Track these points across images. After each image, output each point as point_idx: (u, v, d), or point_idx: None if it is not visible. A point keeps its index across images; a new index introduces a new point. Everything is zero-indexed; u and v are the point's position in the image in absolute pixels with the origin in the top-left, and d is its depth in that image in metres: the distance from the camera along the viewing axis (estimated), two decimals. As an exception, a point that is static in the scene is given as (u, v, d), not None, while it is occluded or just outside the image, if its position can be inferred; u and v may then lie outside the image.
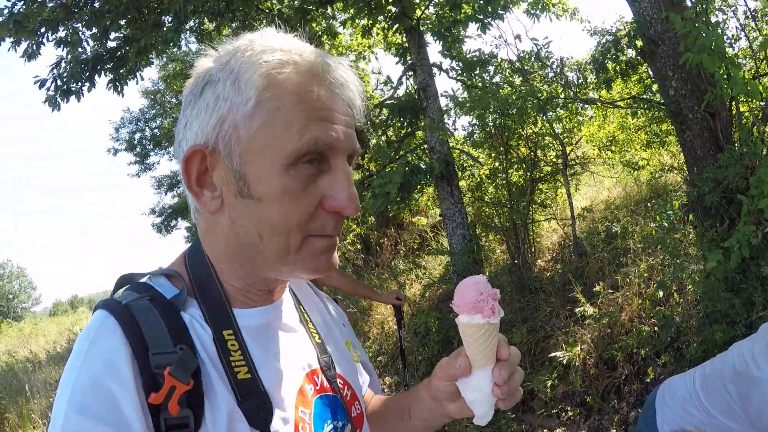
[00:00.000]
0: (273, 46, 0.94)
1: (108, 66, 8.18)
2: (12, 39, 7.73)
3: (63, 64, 7.93)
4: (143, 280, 1.02)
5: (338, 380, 1.16)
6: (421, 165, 7.86)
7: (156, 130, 21.89)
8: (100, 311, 0.91)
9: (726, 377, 2.02)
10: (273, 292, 1.08)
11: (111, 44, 8.21)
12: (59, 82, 7.91)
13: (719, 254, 3.60)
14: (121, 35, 8.11)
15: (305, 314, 1.21)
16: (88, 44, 8.08)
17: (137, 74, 8.58)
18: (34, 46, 7.86)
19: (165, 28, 7.90)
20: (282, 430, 0.95)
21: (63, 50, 7.96)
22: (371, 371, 3.00)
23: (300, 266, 0.96)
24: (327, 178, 0.93)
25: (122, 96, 8.62)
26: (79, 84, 8.02)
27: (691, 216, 4.96)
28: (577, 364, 5.07)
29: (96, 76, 8.12)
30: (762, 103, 4.63)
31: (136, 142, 22.31)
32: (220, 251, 1.01)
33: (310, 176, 0.92)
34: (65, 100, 8.00)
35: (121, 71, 8.30)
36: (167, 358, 0.85)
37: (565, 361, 5.09)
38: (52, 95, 7.90)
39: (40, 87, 7.89)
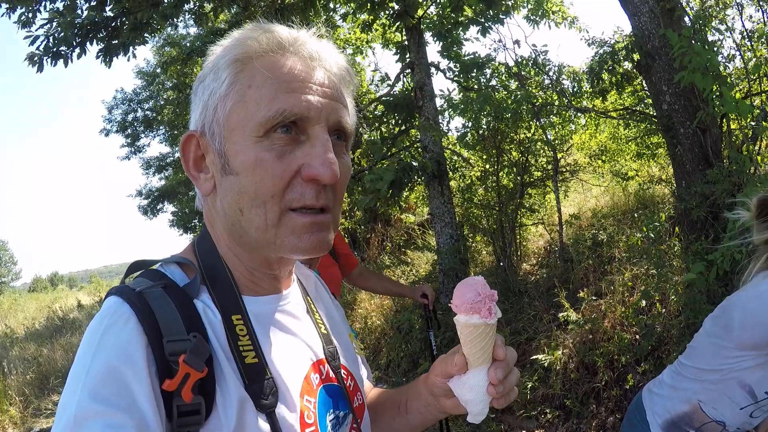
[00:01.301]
0: (248, 33, 0.98)
1: (101, 35, 8.00)
2: (7, 5, 7.55)
3: (55, 24, 7.68)
4: (155, 267, 1.04)
5: (342, 371, 1.18)
6: (414, 163, 7.91)
7: (148, 112, 21.74)
8: (114, 298, 0.91)
9: (707, 331, 2.04)
10: (279, 279, 1.10)
11: (108, 13, 7.99)
12: (50, 42, 7.70)
13: (701, 265, 3.69)
14: (119, 7, 7.92)
15: (312, 305, 1.23)
16: (82, 12, 7.84)
17: (130, 50, 8.36)
18: (30, 14, 7.70)
19: (165, 3, 7.81)
20: (288, 417, 0.97)
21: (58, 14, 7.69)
22: (365, 364, 3.07)
23: (280, 243, 0.96)
24: (304, 148, 0.94)
25: (109, 67, 8.39)
26: (69, 49, 7.83)
27: (677, 228, 5.07)
28: (558, 367, 5.16)
29: (87, 44, 7.94)
30: (752, 123, 4.73)
31: (127, 123, 22.13)
32: (222, 235, 1.04)
33: (286, 146, 0.93)
34: (53, 63, 7.81)
35: (114, 42, 8.09)
36: (181, 345, 0.86)
37: (546, 365, 5.18)
38: (37, 54, 7.66)
39: (31, 43, 7.66)
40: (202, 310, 0.96)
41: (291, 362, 1.04)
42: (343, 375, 1.17)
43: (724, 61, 5.60)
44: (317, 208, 0.96)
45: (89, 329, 0.89)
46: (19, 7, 7.63)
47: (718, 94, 4.34)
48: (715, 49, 4.73)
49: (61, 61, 7.84)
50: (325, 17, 9.75)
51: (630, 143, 8.14)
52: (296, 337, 1.10)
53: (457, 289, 1.01)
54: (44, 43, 7.71)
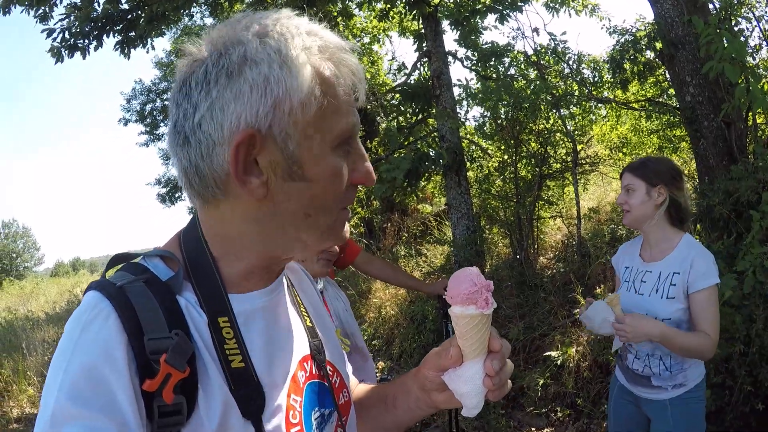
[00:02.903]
0: (305, 29, 0.93)
1: (117, 27, 8.10)
2: (27, 2, 7.70)
3: (72, 18, 7.82)
4: (137, 260, 1.00)
5: (328, 367, 1.17)
6: (431, 153, 7.80)
7: (167, 102, 21.96)
8: (94, 293, 0.88)
9: None
10: (273, 274, 1.07)
11: (123, 6, 8.10)
12: (67, 35, 7.85)
13: (732, 279, 3.55)
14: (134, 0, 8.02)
15: (297, 297, 1.21)
16: (99, 5, 7.97)
17: (148, 41, 8.46)
18: (47, 9, 7.82)
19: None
20: (274, 418, 0.95)
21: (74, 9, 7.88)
22: (367, 355, 2.95)
23: (334, 237, 1.01)
24: (352, 155, 0.98)
25: (128, 59, 8.54)
26: (86, 41, 7.97)
27: (698, 226, 4.91)
28: (570, 365, 5.06)
29: (104, 36, 8.05)
30: (779, 116, 4.56)
31: (146, 113, 22.32)
32: (233, 234, 0.98)
33: (346, 155, 0.96)
34: (70, 55, 7.97)
35: (131, 34, 8.21)
36: (163, 343, 0.84)
37: (559, 362, 5.08)
38: (57, 47, 7.84)
39: (48, 36, 7.83)
40: (185, 306, 0.93)
41: (278, 362, 1.02)
42: (329, 371, 1.16)
43: (751, 51, 5.40)
44: None
45: (68, 325, 0.86)
46: (37, 7, 7.75)
47: (744, 85, 4.17)
48: (743, 38, 4.55)
49: (79, 53, 7.99)
50: (341, 6, 9.63)
51: (652, 136, 7.95)
52: (283, 333, 1.08)
53: (452, 280, 1.00)
54: (61, 35, 7.83)
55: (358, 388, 1.40)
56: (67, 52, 7.92)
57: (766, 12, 5.77)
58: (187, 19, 14.55)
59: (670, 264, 2.59)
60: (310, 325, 1.19)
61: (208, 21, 17.07)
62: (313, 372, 1.12)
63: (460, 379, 1.02)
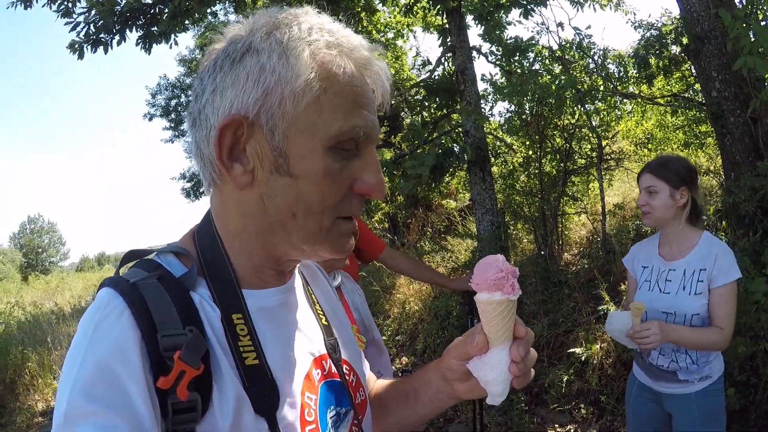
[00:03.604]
0: (318, 25, 0.93)
1: (140, 22, 8.09)
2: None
3: (93, 12, 7.78)
4: (151, 257, 1.01)
5: (344, 366, 1.16)
6: (455, 148, 7.81)
7: (191, 98, 22.17)
8: (107, 289, 0.89)
9: None
10: (284, 273, 1.08)
11: (146, 0, 8.08)
12: (91, 29, 7.83)
13: (763, 282, 3.54)
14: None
15: (313, 295, 1.21)
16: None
17: (171, 37, 8.45)
18: (69, 3, 7.83)
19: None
20: (288, 416, 0.95)
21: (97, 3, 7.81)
22: (382, 348, 2.97)
23: (327, 247, 0.97)
24: (358, 162, 0.95)
25: (149, 54, 8.49)
26: (109, 36, 7.96)
27: (724, 223, 4.88)
28: (595, 362, 5.06)
29: (127, 31, 8.05)
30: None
31: (171, 108, 22.54)
32: (237, 228, 0.99)
33: (346, 159, 0.93)
34: (93, 50, 7.95)
35: (153, 29, 8.17)
36: (176, 340, 0.84)
37: (583, 358, 5.08)
38: (78, 42, 7.82)
39: (72, 29, 7.81)
40: (199, 302, 0.93)
41: (292, 359, 1.02)
42: (345, 370, 1.15)
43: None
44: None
45: (82, 322, 0.87)
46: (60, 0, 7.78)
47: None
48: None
49: (101, 47, 7.97)
50: (364, 1, 9.67)
51: (677, 132, 7.87)
52: (298, 331, 1.08)
53: (477, 267, 1.01)
54: (84, 30, 7.82)
55: (377, 383, 1.40)
56: (89, 46, 7.91)
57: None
58: (211, 16, 14.71)
59: (694, 261, 2.64)
60: (326, 323, 1.18)
61: (232, 17, 17.27)
62: (332, 371, 1.11)
63: (485, 366, 1.02)
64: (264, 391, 0.92)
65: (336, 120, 0.90)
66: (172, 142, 24.13)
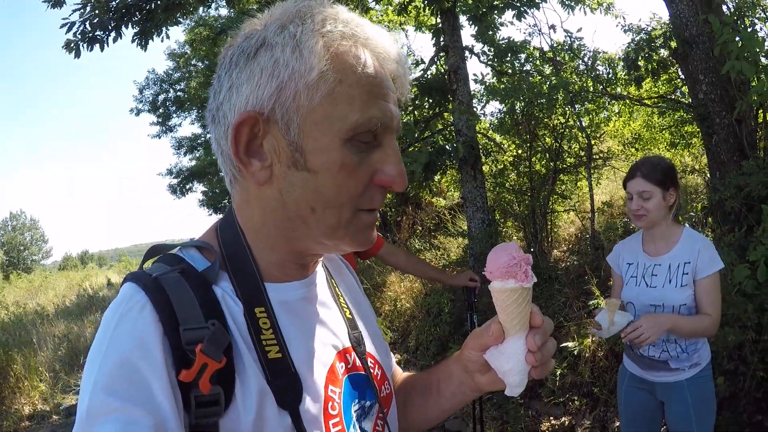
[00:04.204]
0: (333, 15, 0.91)
1: (135, 18, 7.99)
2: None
3: (89, 9, 7.68)
4: (174, 251, 1.00)
5: (369, 359, 1.14)
6: (447, 147, 7.92)
7: (180, 93, 21.97)
8: (130, 284, 0.89)
9: None
10: (307, 267, 1.07)
11: None
12: (87, 27, 7.72)
13: (745, 269, 3.72)
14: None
15: (337, 289, 1.19)
16: None
17: (163, 30, 8.34)
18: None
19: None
20: (311, 409, 0.94)
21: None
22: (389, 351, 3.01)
23: (348, 240, 0.96)
24: (378, 154, 0.93)
25: (145, 51, 8.38)
26: (105, 33, 7.86)
27: (710, 219, 5.05)
28: (587, 355, 5.20)
29: (123, 27, 7.93)
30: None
31: (159, 103, 22.38)
32: (258, 223, 0.98)
33: (364, 152, 0.91)
34: (89, 48, 7.85)
35: (149, 25, 8.08)
36: (198, 334, 0.83)
37: (575, 352, 5.22)
38: (74, 41, 7.73)
39: (68, 30, 7.71)
40: (221, 296, 0.93)
41: (316, 353, 1.01)
42: (369, 363, 1.14)
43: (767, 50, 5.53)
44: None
45: (105, 317, 0.87)
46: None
47: (760, 84, 4.31)
48: (756, 37, 4.67)
49: (98, 45, 7.86)
50: (358, -1, 9.75)
51: (664, 132, 8.07)
52: (321, 324, 1.06)
53: (491, 255, 0.98)
54: (80, 28, 7.72)
55: (401, 375, 1.39)
56: (85, 45, 7.81)
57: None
58: (201, 10, 14.62)
59: (678, 255, 2.81)
60: (350, 317, 1.16)
61: (223, 11, 17.26)
62: (356, 364, 1.10)
63: (502, 356, 1.00)
64: (287, 385, 0.91)
65: (352, 112, 0.88)
66: (159, 138, 23.95)
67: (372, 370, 1.13)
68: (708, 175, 5.83)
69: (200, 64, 20.33)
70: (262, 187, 0.95)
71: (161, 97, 22.48)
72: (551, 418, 5.02)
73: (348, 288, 1.27)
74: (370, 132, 0.90)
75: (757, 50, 4.22)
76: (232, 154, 0.92)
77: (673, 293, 2.76)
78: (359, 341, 1.13)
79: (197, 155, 24.69)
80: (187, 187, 24.93)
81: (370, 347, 1.17)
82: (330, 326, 1.08)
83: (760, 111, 5.21)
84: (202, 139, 24.02)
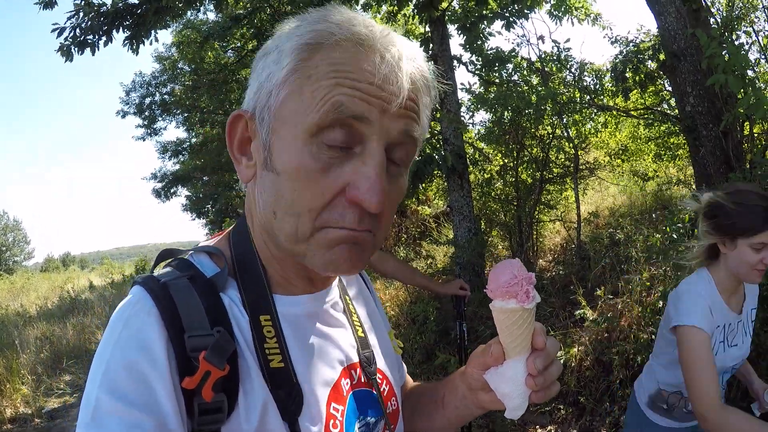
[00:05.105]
0: (316, 17, 0.88)
1: (127, 23, 8.01)
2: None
3: (81, 14, 7.72)
4: (185, 256, 0.99)
5: (378, 375, 1.11)
6: (435, 156, 7.93)
7: (166, 96, 21.84)
8: (138, 288, 0.88)
9: (662, 321, 2.48)
10: (314, 281, 1.02)
11: (132, 0, 8.03)
12: (77, 32, 7.75)
13: None
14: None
15: (350, 305, 1.15)
16: None
17: (152, 33, 8.35)
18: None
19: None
20: (313, 426, 0.92)
21: (81, 1, 7.75)
22: (401, 362, 2.87)
23: (310, 258, 0.89)
24: (353, 163, 0.84)
25: (136, 54, 8.42)
26: (96, 37, 7.88)
27: (695, 230, 5.08)
28: (573, 364, 5.20)
29: (114, 31, 7.95)
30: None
31: (145, 106, 22.24)
32: (259, 228, 0.97)
33: (335, 158, 0.84)
34: (80, 51, 7.87)
35: (139, 29, 8.09)
36: (203, 341, 0.82)
37: (562, 361, 5.22)
38: (67, 44, 7.75)
39: (58, 35, 7.74)
40: (228, 304, 0.91)
41: (320, 369, 0.98)
42: (378, 379, 1.11)
43: (752, 65, 5.60)
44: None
45: (112, 318, 0.86)
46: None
47: (747, 96, 4.35)
48: (743, 51, 4.73)
49: (89, 49, 7.88)
50: (347, 6, 9.76)
51: (650, 143, 8.14)
52: (329, 341, 1.03)
53: (492, 272, 0.92)
54: (71, 33, 7.74)
55: (412, 385, 1.37)
56: (76, 49, 7.83)
57: (765, 27, 5.98)
58: (190, 13, 14.59)
59: (749, 301, 2.45)
60: (362, 335, 1.13)
61: (211, 15, 17.23)
62: (362, 380, 1.07)
63: (501, 378, 0.95)
64: (288, 396, 0.90)
65: (315, 104, 0.82)
66: (144, 140, 23.68)
67: (380, 387, 1.11)
68: (694, 186, 5.87)
69: (186, 68, 20.24)
70: (249, 185, 0.96)
71: (147, 100, 22.33)
72: (537, 426, 5.01)
73: (363, 302, 1.24)
74: (340, 125, 0.82)
75: (743, 64, 4.25)
76: (228, 148, 0.95)
77: (747, 345, 2.38)
78: (370, 361, 1.10)
79: (182, 159, 24.57)
80: (172, 191, 24.78)
81: (381, 363, 1.15)
82: (338, 343, 1.05)
83: (747, 124, 5.26)
84: (188, 143, 23.89)
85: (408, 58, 0.88)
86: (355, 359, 1.08)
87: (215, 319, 0.86)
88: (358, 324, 1.14)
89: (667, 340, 2.36)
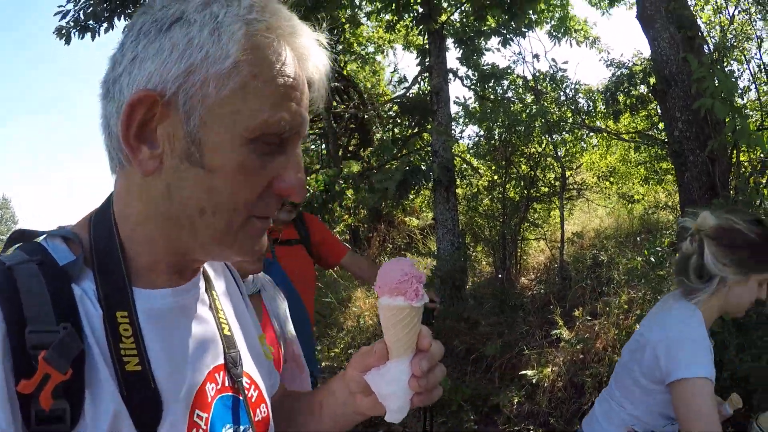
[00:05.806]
0: (261, 4, 0.82)
1: (129, 10, 7.83)
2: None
3: None
4: (39, 239, 0.88)
5: (245, 379, 1.04)
6: (423, 167, 7.91)
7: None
8: None
9: (625, 360, 2.19)
10: (184, 273, 0.96)
11: None
12: (80, 16, 7.70)
13: None
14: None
15: (216, 301, 1.06)
16: None
17: None
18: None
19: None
20: None
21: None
22: (303, 366, 2.67)
23: (236, 248, 0.88)
24: (281, 159, 0.85)
25: None
26: (97, 23, 7.81)
27: (676, 254, 5.04)
28: (546, 384, 5.14)
29: (115, 19, 7.86)
30: (762, 155, 4.72)
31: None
32: (138, 217, 0.87)
33: (268, 155, 0.83)
34: (81, 36, 7.81)
35: None
36: (46, 337, 0.72)
37: (534, 381, 5.16)
38: (66, 27, 7.72)
39: (62, 18, 7.71)
40: (80, 297, 0.81)
41: (182, 372, 0.89)
42: (245, 384, 1.03)
43: (741, 92, 5.60)
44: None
45: None
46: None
47: (733, 122, 4.33)
48: (733, 78, 4.72)
49: (89, 34, 7.83)
50: (350, 13, 9.76)
51: (639, 167, 8.14)
52: (193, 340, 0.94)
53: (382, 269, 0.91)
54: (74, 16, 7.70)
55: (287, 395, 1.29)
56: (77, 32, 7.78)
57: (756, 55, 5.98)
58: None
59: None
60: (228, 333, 1.04)
61: None
62: (226, 384, 0.98)
63: (383, 378, 0.92)
64: (145, 403, 0.80)
65: (262, 110, 0.79)
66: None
67: (247, 392, 1.02)
68: (679, 211, 5.85)
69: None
70: (149, 177, 0.83)
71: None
72: (506, 446, 4.94)
73: (230, 300, 1.15)
74: (277, 135, 0.82)
75: (731, 90, 4.24)
76: (121, 135, 0.80)
77: None
78: (235, 362, 1.02)
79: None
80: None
81: (248, 367, 1.07)
82: (203, 343, 0.96)
83: (734, 151, 5.24)
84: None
85: (326, 61, 0.91)
86: (221, 361, 0.99)
87: (63, 314, 0.76)
88: (224, 321, 1.05)
89: (646, 390, 2.06)
